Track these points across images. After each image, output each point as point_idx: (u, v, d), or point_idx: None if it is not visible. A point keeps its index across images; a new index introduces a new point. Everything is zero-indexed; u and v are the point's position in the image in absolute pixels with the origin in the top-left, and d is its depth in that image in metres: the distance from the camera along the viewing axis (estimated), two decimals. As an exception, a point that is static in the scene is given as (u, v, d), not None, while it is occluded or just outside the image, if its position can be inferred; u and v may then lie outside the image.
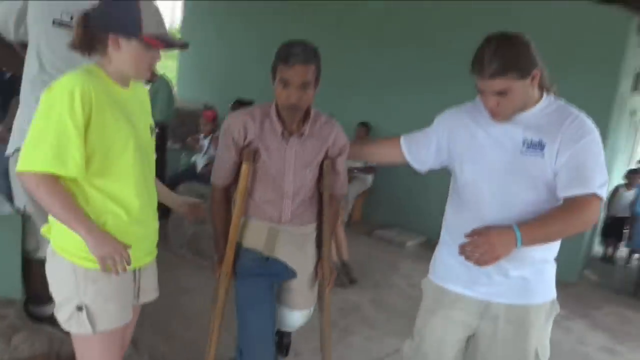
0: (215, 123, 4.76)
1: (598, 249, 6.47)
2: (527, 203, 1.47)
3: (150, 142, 1.54)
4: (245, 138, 1.73)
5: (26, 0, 1.98)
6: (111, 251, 1.35)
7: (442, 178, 1.77)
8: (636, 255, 6.20)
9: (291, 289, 1.91)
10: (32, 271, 2.03)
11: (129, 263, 1.38)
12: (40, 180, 1.31)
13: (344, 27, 6.27)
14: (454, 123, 1.66)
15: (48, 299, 1.77)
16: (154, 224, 1.55)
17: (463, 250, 1.42)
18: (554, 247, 1.59)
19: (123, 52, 1.37)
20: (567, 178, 1.44)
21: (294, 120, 1.72)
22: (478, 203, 1.55)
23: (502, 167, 1.51)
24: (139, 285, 1.56)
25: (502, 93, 1.44)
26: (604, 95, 4.75)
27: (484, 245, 1.38)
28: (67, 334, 1.49)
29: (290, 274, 1.87)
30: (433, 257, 1.75)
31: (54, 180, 1.32)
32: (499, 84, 1.42)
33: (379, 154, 1.93)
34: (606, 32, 4.64)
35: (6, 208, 2.00)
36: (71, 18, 1.98)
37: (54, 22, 1.97)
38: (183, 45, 1.46)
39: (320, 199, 1.88)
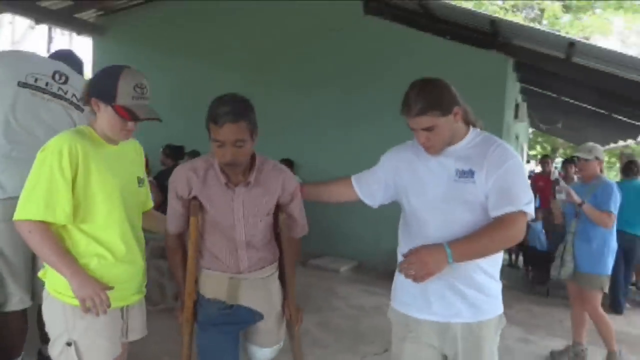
0: (148, 168, 4.82)
1: (504, 256, 7.26)
2: (467, 225, 1.56)
3: (137, 191, 1.74)
4: (190, 192, 1.71)
5: None
6: (91, 293, 1.50)
7: (364, 206, 1.88)
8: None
9: (259, 330, 1.87)
10: (4, 323, 2.05)
11: (108, 306, 1.53)
12: (32, 227, 1.50)
13: (266, 69, 6.66)
14: (398, 160, 1.78)
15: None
16: (140, 265, 1.72)
17: (400, 268, 1.53)
18: (499, 263, 1.70)
19: (102, 115, 1.60)
20: (495, 199, 1.55)
21: (236, 174, 1.69)
22: (424, 229, 1.64)
23: (441, 195, 1.62)
24: (127, 323, 1.70)
25: (429, 129, 1.58)
26: (494, 124, 5.52)
27: (417, 263, 1.48)
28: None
29: (257, 316, 1.83)
30: (393, 285, 1.81)
31: (45, 228, 1.50)
32: (424, 121, 1.56)
33: (334, 193, 1.96)
34: (490, 72, 5.46)
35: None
36: (35, 80, 2.13)
37: (18, 84, 2.11)
38: (150, 119, 1.60)
39: (278, 238, 1.86)
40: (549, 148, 19.68)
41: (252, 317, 1.82)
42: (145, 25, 7.77)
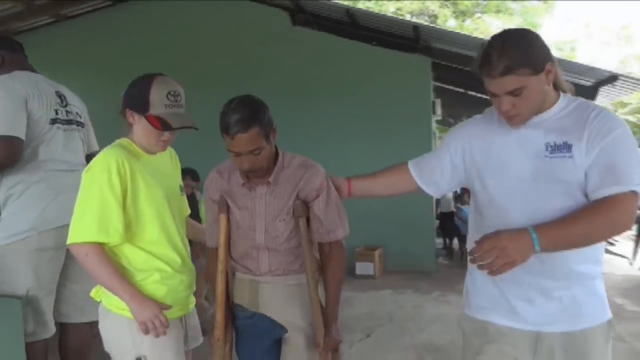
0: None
1: (439, 240, 7.84)
2: (562, 212, 1.25)
3: (181, 200, 1.72)
4: (220, 195, 1.66)
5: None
6: (151, 316, 1.48)
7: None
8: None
9: (288, 349, 1.68)
10: (32, 353, 1.95)
11: (167, 326, 1.51)
12: (88, 250, 1.46)
13: (196, 82, 6.56)
14: (467, 137, 1.45)
15: None
16: (193, 273, 1.71)
17: (473, 257, 1.22)
18: (600, 260, 1.38)
19: (137, 126, 1.57)
20: (599, 177, 1.23)
21: (258, 176, 1.60)
22: (504, 220, 1.30)
23: (528, 176, 1.31)
24: (186, 331, 1.69)
25: (516, 93, 1.25)
26: (423, 121, 6.04)
27: (494, 251, 1.17)
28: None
29: (280, 330, 1.67)
30: (464, 289, 1.51)
31: (100, 250, 1.47)
32: (511, 82, 1.23)
33: (387, 185, 1.65)
34: (414, 73, 5.93)
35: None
36: (56, 113, 2.13)
37: (50, 122, 2.08)
38: (186, 127, 1.56)
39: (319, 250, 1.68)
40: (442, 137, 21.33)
41: (274, 328, 1.66)
42: (47, 46, 7.30)
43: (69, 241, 1.47)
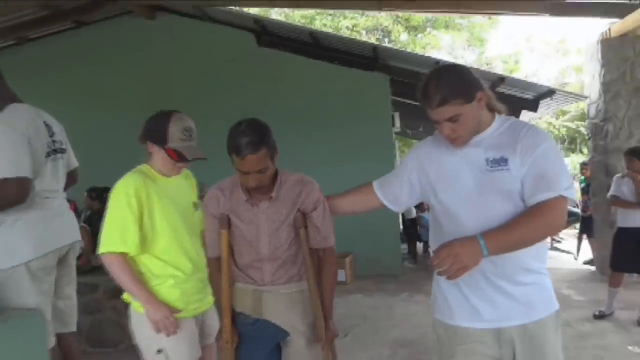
0: (77, 213, 4.66)
1: (403, 246, 8.24)
2: (505, 217, 1.39)
3: (194, 214, 1.95)
4: (221, 212, 1.76)
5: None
6: (162, 318, 1.76)
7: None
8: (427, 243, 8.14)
9: (290, 350, 1.80)
10: None
11: (176, 327, 1.78)
12: (112, 259, 1.75)
13: (164, 102, 6.71)
14: (421, 158, 1.62)
15: None
16: (205, 278, 1.94)
17: (432, 265, 1.35)
18: (545, 258, 1.55)
19: (156, 155, 1.86)
20: (531, 186, 1.39)
21: (261, 193, 1.71)
22: (458, 227, 1.45)
23: (474, 188, 1.46)
24: (202, 327, 1.94)
25: (453, 119, 1.41)
26: (384, 134, 6.41)
27: (449, 258, 1.30)
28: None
29: (283, 334, 1.78)
30: (432, 294, 1.65)
31: (122, 259, 1.75)
32: (447, 111, 1.40)
33: (357, 204, 1.80)
34: (374, 89, 6.30)
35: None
36: (47, 145, 2.19)
37: (46, 155, 2.16)
38: (198, 159, 1.84)
39: (314, 256, 1.79)
40: (406, 150, 22.14)
41: (278, 333, 1.77)
42: (11, 68, 7.24)
43: (98, 251, 1.73)
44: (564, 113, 16.39)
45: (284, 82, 6.42)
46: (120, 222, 1.73)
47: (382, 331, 4.07)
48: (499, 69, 21.19)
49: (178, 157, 1.82)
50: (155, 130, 1.83)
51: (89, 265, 4.30)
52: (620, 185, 3.97)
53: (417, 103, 7.71)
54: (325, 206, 1.77)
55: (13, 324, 1.85)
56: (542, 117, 16.85)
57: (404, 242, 8.18)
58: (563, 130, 17.67)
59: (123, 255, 1.74)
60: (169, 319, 1.75)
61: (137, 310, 1.81)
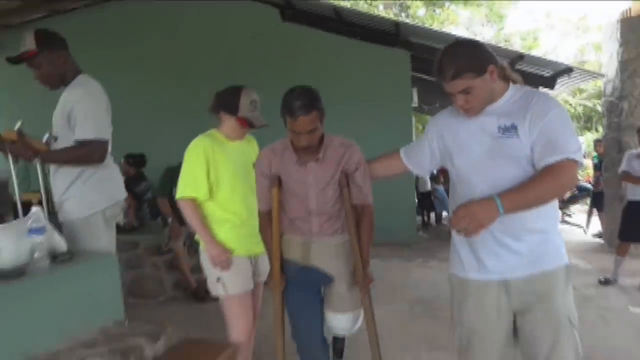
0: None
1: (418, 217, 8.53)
2: (514, 181, 1.48)
3: (252, 172, 2.15)
4: (271, 169, 1.94)
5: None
6: (218, 255, 2.10)
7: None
8: (444, 214, 8.41)
9: (332, 294, 2.00)
10: None
11: (228, 265, 2.12)
12: (185, 203, 2.10)
13: (191, 74, 6.98)
14: (440, 126, 1.73)
15: None
16: (256, 225, 2.17)
17: (452, 224, 1.44)
18: (552, 217, 1.62)
19: (226, 122, 2.17)
20: (541, 150, 1.47)
21: (310, 153, 1.87)
22: (471, 190, 1.57)
23: (485, 154, 1.56)
24: (254, 268, 2.25)
25: (466, 91, 1.50)
26: (404, 109, 6.61)
27: (466, 217, 1.39)
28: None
29: (328, 279, 1.98)
30: (450, 253, 1.77)
31: (193, 204, 2.10)
32: (460, 84, 1.49)
33: (385, 169, 1.96)
34: (396, 65, 6.48)
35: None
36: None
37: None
38: (263, 126, 2.14)
39: (354, 211, 1.93)
40: (420, 127, 22.19)
41: (324, 278, 1.98)
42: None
43: (176, 197, 2.08)
44: (581, 91, 16.28)
45: (307, 56, 6.62)
46: (192, 174, 2.06)
47: (399, 291, 4.38)
48: (517, 45, 20.94)
49: (248, 124, 2.13)
50: (227, 102, 2.13)
51: (130, 225, 4.66)
52: (631, 161, 4.16)
53: (434, 79, 7.98)
54: (366, 167, 1.93)
55: (94, 264, 2.16)
56: (559, 95, 16.79)
57: (419, 214, 8.47)
58: (580, 109, 17.57)
59: (194, 200, 2.08)
60: (222, 256, 2.09)
61: (203, 248, 2.15)
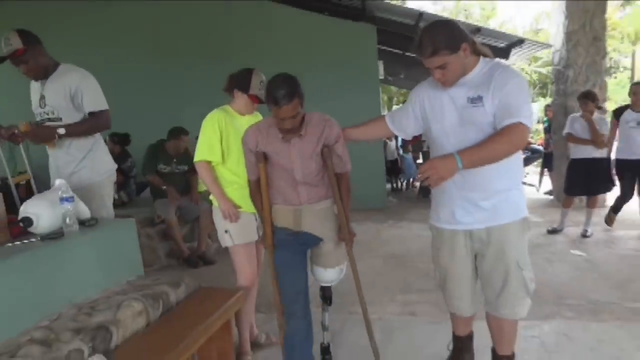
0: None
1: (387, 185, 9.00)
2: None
3: None
4: (257, 146, 2.10)
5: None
6: (228, 209, 2.44)
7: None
8: (411, 180, 8.92)
9: (321, 252, 2.23)
10: None
11: (237, 217, 2.46)
12: (202, 165, 2.43)
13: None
14: (422, 95, 1.95)
15: None
16: None
17: (417, 178, 1.82)
18: (516, 177, 1.87)
19: (238, 99, 2.47)
20: (500, 114, 1.67)
21: (293, 132, 2.02)
22: (442, 151, 1.80)
23: (456, 121, 1.79)
24: (258, 223, 2.59)
25: (442, 67, 1.70)
26: (371, 80, 6.90)
27: (429, 170, 1.58)
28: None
29: (317, 240, 2.20)
30: (431, 207, 2.06)
31: (208, 166, 2.43)
32: (436, 61, 1.69)
33: (371, 132, 2.19)
34: (362, 39, 6.74)
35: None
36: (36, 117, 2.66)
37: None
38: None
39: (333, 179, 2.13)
40: (385, 97, 22.60)
41: (313, 240, 2.19)
42: (30, 17, 7.35)
43: (194, 160, 2.42)
44: (536, 59, 17.02)
45: (279, 32, 6.80)
46: (208, 141, 2.38)
47: (373, 249, 4.80)
48: (476, 14, 21.47)
49: (258, 100, 2.44)
50: (240, 82, 2.43)
51: (120, 200, 4.89)
52: (573, 123, 4.66)
53: (398, 51, 8.33)
54: (343, 139, 2.14)
55: (116, 227, 2.44)
56: (515, 64, 17.43)
57: (388, 181, 8.95)
58: (535, 76, 18.37)
59: (209, 163, 2.41)
60: (231, 210, 2.43)
61: (215, 205, 2.49)
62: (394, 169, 8.81)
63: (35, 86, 2.66)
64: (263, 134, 2.11)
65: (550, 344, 2.53)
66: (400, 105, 2.43)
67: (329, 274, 2.28)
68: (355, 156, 2.35)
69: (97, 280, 2.18)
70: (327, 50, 6.73)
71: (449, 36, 1.70)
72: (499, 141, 1.63)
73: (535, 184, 7.87)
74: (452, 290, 2.07)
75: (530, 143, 8.21)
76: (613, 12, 19.88)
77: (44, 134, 2.49)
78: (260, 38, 6.79)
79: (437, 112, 1.87)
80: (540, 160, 7.78)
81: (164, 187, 4.49)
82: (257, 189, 2.21)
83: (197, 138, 2.49)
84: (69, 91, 2.53)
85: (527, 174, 8.90)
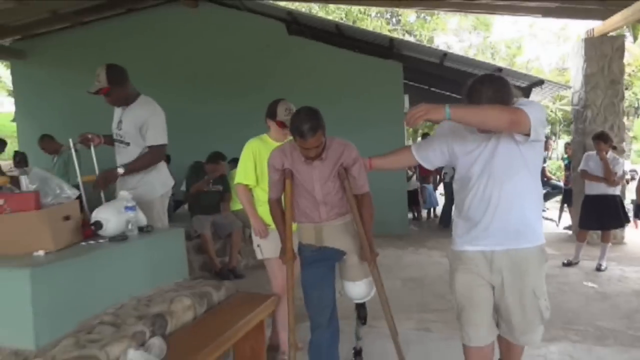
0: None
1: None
2: (520, 182, 1.88)
3: None
4: (283, 165, 2.25)
5: None
6: (257, 227, 2.76)
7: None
8: (433, 209, 9.09)
9: (347, 266, 2.35)
10: None
11: (265, 234, 2.76)
12: (240, 187, 2.79)
13: (202, 84, 7.58)
14: (448, 133, 2.05)
15: None
16: None
17: (406, 118, 1.75)
18: (535, 207, 1.95)
19: (271, 127, 2.81)
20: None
21: (315, 158, 2.16)
22: (468, 182, 1.97)
23: (501, 163, 1.88)
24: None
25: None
26: (396, 114, 7.21)
27: (420, 109, 1.70)
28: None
29: (341, 254, 2.32)
30: (452, 234, 2.09)
31: (245, 189, 2.78)
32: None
33: (397, 161, 2.32)
34: (390, 75, 7.10)
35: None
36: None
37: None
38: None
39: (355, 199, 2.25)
40: (410, 130, 22.94)
41: (337, 254, 2.30)
42: (66, 48, 8.08)
43: (234, 182, 2.78)
44: (561, 98, 17.14)
45: (310, 66, 7.22)
46: (244, 167, 2.74)
47: (394, 272, 5.01)
48: (502, 52, 21.79)
49: (283, 125, 2.72)
50: (269, 110, 2.79)
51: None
52: (588, 161, 4.86)
53: (424, 86, 8.62)
54: (361, 163, 2.24)
55: (168, 235, 2.76)
56: (541, 101, 17.58)
57: (409, 211, 9.14)
58: (560, 114, 18.42)
59: (245, 186, 2.75)
60: (260, 228, 2.75)
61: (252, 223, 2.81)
62: (414, 199, 9.01)
63: (118, 110, 3.06)
64: (287, 155, 2.26)
65: (554, 364, 2.71)
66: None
67: (357, 288, 2.36)
68: (378, 184, 2.64)
69: (151, 279, 2.50)
70: (357, 84, 7.11)
71: (503, 92, 1.82)
72: (495, 111, 1.72)
73: (555, 219, 7.95)
74: (469, 316, 1.99)
75: (550, 179, 8.33)
76: (640, 54, 19.91)
77: (108, 177, 2.89)
78: (293, 72, 7.22)
79: (466, 150, 1.98)
80: (560, 196, 7.88)
81: (208, 179, 4.94)
82: (278, 207, 2.36)
83: (228, 162, 2.88)
84: (140, 122, 2.91)
85: (547, 208, 8.97)
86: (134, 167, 2.93)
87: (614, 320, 3.38)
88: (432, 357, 2.82)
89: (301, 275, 2.35)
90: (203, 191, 5.05)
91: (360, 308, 2.50)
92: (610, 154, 4.69)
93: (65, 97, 8.02)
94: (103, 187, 2.86)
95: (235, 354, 2.62)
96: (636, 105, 21.01)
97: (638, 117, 20.78)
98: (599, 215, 4.80)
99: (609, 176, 4.58)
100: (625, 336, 3.09)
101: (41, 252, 2.06)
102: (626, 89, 20.46)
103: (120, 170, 2.89)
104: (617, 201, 4.77)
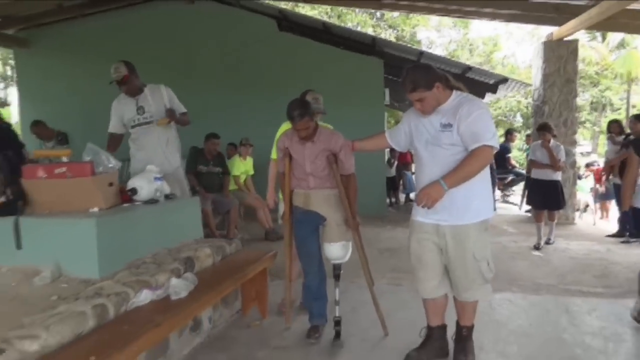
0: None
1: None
2: (446, 160, 2.14)
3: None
4: (285, 146, 2.78)
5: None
6: (269, 198, 3.38)
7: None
8: (411, 195, 9.73)
9: (326, 230, 2.80)
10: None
11: (272, 204, 3.36)
12: (272, 162, 3.26)
13: (196, 77, 8.03)
14: (410, 118, 2.37)
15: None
16: None
17: (417, 203, 2.12)
18: (476, 188, 2.18)
19: None
20: (467, 140, 2.08)
21: (307, 138, 2.67)
22: (421, 165, 2.29)
23: (430, 140, 2.20)
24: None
25: (420, 100, 2.13)
26: (377, 108, 7.78)
27: (424, 197, 2.06)
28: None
29: (322, 218, 2.77)
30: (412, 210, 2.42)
31: (274, 164, 3.20)
32: (415, 95, 2.12)
33: (375, 144, 2.70)
34: (371, 71, 7.61)
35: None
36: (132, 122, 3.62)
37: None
38: (320, 113, 3.15)
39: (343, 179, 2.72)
40: (392, 121, 23.59)
41: (319, 218, 2.77)
42: (68, 38, 8.41)
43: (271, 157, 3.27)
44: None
45: (299, 61, 7.69)
46: (275, 145, 3.10)
47: (372, 244, 5.56)
48: (480, 49, 22.51)
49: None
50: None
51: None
52: (535, 151, 5.36)
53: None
54: (348, 148, 2.70)
55: (186, 202, 3.34)
56: (515, 96, 18.36)
57: (387, 195, 9.78)
58: (531, 108, 19.24)
59: (275, 160, 3.15)
60: (272, 197, 3.34)
61: (280, 198, 3.28)
62: (392, 185, 9.66)
63: (128, 101, 3.57)
64: (289, 138, 2.80)
65: (496, 306, 3.36)
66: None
67: (333, 248, 2.76)
68: (360, 170, 2.91)
69: (176, 235, 3.06)
70: (342, 78, 7.60)
71: (425, 76, 2.13)
72: (471, 164, 2.07)
73: (518, 203, 8.68)
74: (421, 274, 2.40)
75: (514, 167, 9.04)
76: (608, 55, 20.87)
77: (172, 115, 3.53)
78: (282, 66, 7.70)
79: (418, 133, 2.32)
80: (523, 183, 8.60)
81: (197, 189, 5.39)
82: (282, 179, 2.92)
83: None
84: (165, 100, 3.55)
85: (512, 193, 9.72)
86: (181, 118, 3.61)
87: (550, 278, 4.06)
88: (401, 304, 3.44)
89: (294, 233, 2.90)
90: (204, 173, 5.59)
91: (335, 267, 2.87)
92: (552, 142, 5.18)
93: (68, 86, 8.39)
94: (173, 118, 3.55)
95: (244, 295, 3.21)
96: (604, 102, 22.06)
97: (605, 114, 21.84)
98: (542, 197, 5.31)
99: (555, 162, 5.15)
100: (556, 289, 3.76)
101: (95, 209, 2.60)
102: (594, 86, 21.47)
103: (178, 114, 3.58)
104: (558, 186, 5.27)
